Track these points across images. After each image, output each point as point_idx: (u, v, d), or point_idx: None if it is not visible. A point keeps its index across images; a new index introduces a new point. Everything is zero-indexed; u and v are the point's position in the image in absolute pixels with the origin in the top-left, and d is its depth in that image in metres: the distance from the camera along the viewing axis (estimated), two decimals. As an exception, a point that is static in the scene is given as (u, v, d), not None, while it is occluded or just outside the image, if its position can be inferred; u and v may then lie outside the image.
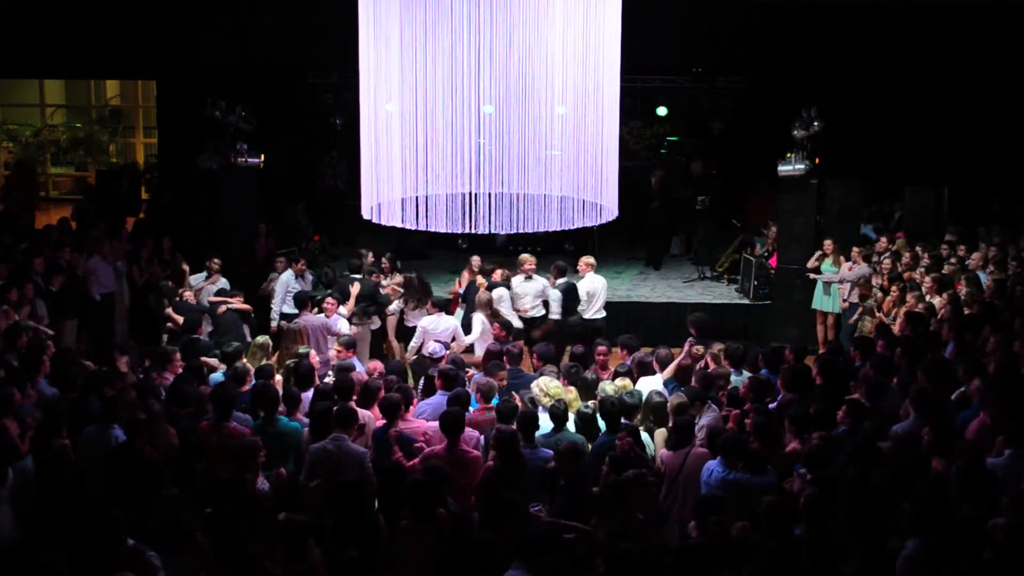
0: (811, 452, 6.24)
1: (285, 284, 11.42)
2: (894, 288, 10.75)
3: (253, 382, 7.87)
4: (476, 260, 11.73)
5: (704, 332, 9.12)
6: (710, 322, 9.56)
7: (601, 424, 7.16)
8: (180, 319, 10.05)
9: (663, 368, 8.35)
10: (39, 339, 8.90)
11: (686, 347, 8.65)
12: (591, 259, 11.48)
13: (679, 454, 6.62)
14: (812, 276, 12.28)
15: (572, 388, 7.84)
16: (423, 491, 5.68)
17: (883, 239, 12.55)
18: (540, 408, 7.38)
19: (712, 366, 8.52)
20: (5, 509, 5.91)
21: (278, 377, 8.27)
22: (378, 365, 8.49)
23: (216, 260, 11.68)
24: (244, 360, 8.62)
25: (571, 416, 7.27)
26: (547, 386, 7.55)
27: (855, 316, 11.21)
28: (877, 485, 5.75)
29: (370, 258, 11.81)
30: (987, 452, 6.32)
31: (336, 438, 6.60)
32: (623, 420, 7.16)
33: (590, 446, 6.92)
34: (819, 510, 5.41)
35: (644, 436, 7.13)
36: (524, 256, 11.27)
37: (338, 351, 8.99)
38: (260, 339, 9.26)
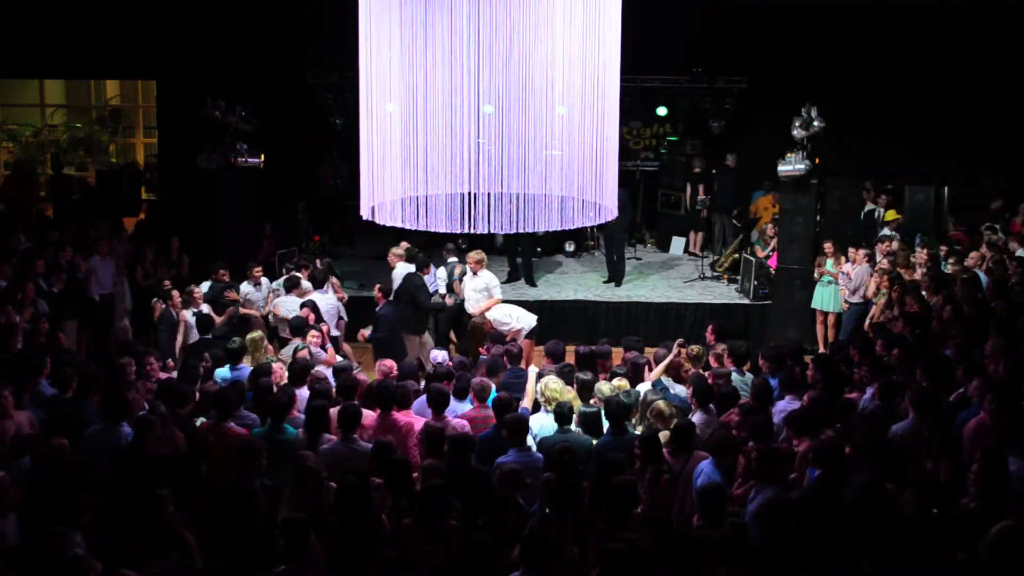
0: (759, 456, 6.21)
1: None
2: (894, 288, 10.73)
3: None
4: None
5: (722, 338, 9.16)
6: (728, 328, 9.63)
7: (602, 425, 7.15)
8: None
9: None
10: (35, 341, 8.89)
11: (675, 349, 8.67)
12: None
13: (680, 458, 6.60)
14: (822, 272, 12.25)
15: (571, 388, 7.85)
16: (434, 495, 5.65)
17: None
18: (544, 409, 7.44)
19: (715, 365, 8.52)
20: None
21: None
22: (392, 365, 8.50)
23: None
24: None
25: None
26: (547, 387, 7.56)
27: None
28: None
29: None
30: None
31: (347, 438, 6.65)
32: (627, 424, 7.16)
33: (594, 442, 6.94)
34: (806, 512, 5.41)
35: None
36: (472, 253, 11.30)
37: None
38: (255, 335, 9.22)
